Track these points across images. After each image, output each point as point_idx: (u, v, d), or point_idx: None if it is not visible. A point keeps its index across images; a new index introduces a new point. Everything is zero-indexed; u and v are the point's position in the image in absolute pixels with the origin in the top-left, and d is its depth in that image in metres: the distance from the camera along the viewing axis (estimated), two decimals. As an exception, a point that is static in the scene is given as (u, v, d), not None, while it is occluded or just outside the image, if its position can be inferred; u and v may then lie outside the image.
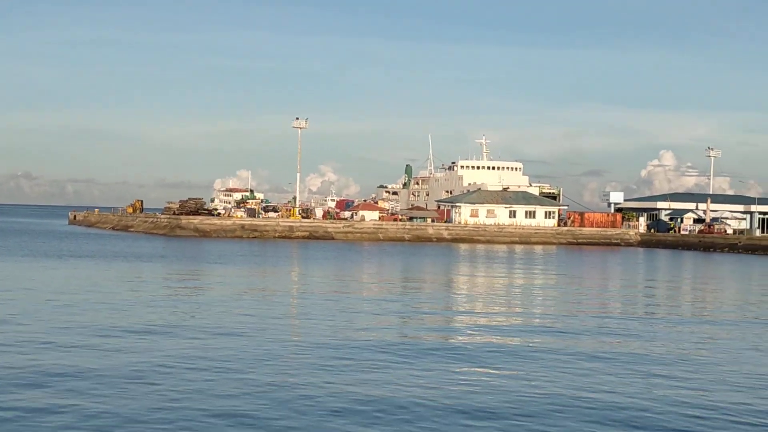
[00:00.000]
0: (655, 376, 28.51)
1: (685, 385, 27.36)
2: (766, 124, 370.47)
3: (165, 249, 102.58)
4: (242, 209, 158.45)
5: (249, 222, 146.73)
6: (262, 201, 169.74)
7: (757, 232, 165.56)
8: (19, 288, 52.49)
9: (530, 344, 34.91)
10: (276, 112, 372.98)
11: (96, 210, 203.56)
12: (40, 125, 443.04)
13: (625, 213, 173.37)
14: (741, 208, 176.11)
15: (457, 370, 28.72)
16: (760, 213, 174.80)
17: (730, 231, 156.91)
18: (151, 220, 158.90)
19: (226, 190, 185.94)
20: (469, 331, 38.83)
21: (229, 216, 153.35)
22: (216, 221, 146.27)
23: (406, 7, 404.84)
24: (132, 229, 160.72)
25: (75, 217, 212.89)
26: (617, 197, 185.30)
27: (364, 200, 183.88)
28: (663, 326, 42.00)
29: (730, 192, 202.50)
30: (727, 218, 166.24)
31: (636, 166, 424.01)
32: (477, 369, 29.25)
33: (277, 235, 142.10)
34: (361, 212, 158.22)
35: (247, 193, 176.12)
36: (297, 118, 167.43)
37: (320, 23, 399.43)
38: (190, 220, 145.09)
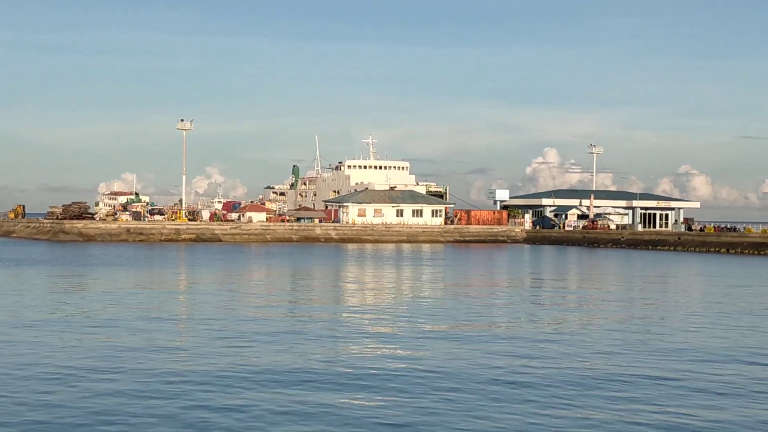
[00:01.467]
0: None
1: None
2: (647, 120, 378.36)
3: (48, 254, 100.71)
4: (127, 213, 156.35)
5: (134, 225, 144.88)
6: (147, 204, 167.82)
7: (639, 227, 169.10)
8: None
9: (414, 341, 35.10)
10: (161, 113, 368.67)
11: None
12: None
13: (511, 210, 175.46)
14: (623, 203, 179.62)
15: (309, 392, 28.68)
16: (642, 208, 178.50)
17: (613, 226, 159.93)
18: (33, 225, 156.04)
19: (111, 194, 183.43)
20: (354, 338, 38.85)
21: (114, 220, 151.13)
22: (101, 225, 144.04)
23: (290, 6, 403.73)
24: (14, 235, 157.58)
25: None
26: (503, 195, 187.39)
27: (252, 202, 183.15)
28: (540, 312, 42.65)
29: (613, 188, 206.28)
30: (610, 214, 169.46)
31: (521, 163, 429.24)
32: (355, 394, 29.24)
33: (163, 238, 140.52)
34: (248, 214, 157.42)
35: (133, 196, 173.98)
36: (182, 120, 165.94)
37: (203, 23, 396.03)
38: (74, 225, 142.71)
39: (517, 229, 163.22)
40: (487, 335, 37.02)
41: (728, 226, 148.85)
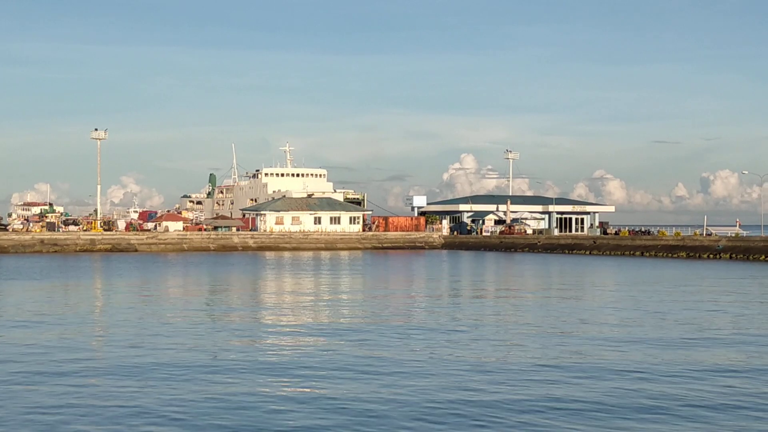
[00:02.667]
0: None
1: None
2: (561, 126, 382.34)
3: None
4: (41, 223, 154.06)
5: (48, 236, 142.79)
6: (62, 214, 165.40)
7: (556, 231, 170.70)
8: None
9: (329, 347, 35.06)
10: (74, 123, 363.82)
11: None
12: None
13: (429, 216, 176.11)
14: (540, 208, 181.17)
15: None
16: (558, 213, 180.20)
17: (529, 231, 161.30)
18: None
19: (24, 204, 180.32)
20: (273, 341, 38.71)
21: (27, 231, 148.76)
22: (13, 236, 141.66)
23: (202, 15, 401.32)
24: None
25: None
26: (420, 201, 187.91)
27: (168, 211, 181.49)
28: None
29: (530, 193, 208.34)
30: (526, 219, 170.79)
31: (438, 169, 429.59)
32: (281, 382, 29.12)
33: (78, 248, 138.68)
34: (164, 223, 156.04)
35: (47, 207, 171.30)
36: (96, 129, 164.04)
37: (113, 32, 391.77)
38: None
39: (435, 235, 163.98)
40: (399, 331, 37.10)
41: (642, 230, 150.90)
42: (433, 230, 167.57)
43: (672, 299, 56.72)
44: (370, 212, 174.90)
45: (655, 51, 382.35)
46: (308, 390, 26.48)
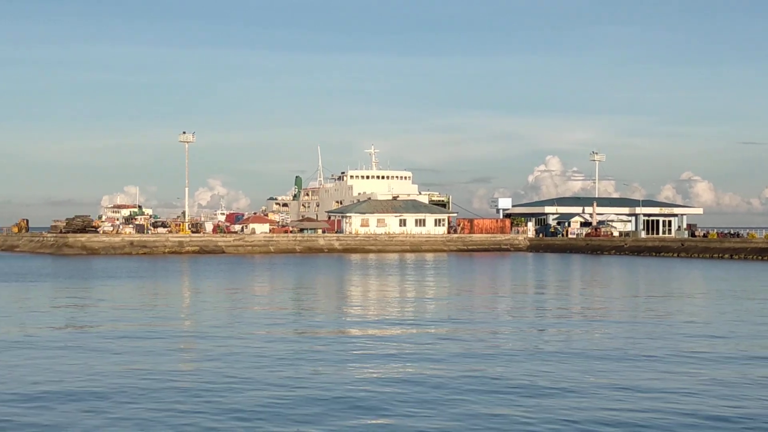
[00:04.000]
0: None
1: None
2: (648, 127, 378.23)
3: (52, 268, 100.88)
4: (131, 225, 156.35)
5: (138, 238, 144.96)
6: (150, 217, 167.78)
7: (642, 234, 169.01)
8: None
9: (422, 348, 35.18)
10: (162, 126, 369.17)
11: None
12: None
13: (514, 218, 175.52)
14: (626, 210, 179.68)
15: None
16: (645, 215, 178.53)
17: (616, 233, 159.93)
18: (37, 239, 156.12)
19: (114, 207, 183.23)
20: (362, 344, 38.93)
21: (117, 233, 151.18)
22: (104, 238, 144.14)
23: (288, 17, 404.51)
24: (18, 249, 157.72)
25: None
26: (505, 203, 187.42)
27: (254, 213, 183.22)
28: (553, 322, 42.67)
29: (615, 195, 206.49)
30: (612, 221, 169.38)
31: (523, 171, 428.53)
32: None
33: (166, 250, 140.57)
34: (251, 225, 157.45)
35: (136, 209, 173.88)
36: (184, 132, 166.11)
37: (200, 35, 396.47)
38: (78, 238, 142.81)
39: (520, 237, 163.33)
40: (491, 342, 37.06)
41: (731, 232, 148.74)
42: (518, 232, 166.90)
43: None
44: (455, 214, 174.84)
45: (742, 50, 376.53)
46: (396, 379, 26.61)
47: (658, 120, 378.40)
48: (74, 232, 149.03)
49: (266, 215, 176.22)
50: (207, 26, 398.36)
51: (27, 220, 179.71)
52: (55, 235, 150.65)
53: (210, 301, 58.98)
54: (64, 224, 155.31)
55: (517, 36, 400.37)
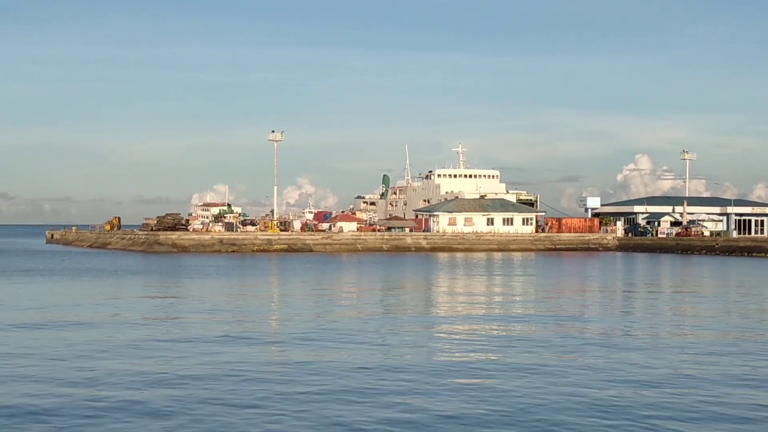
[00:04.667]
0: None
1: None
2: (740, 126, 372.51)
3: (143, 265, 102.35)
4: (220, 223, 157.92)
5: (227, 236, 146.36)
6: (239, 215, 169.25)
7: (734, 234, 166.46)
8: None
9: (512, 349, 35.01)
10: (252, 125, 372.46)
11: (73, 228, 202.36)
12: (16, 144, 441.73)
13: (603, 218, 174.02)
14: (717, 209, 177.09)
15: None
16: (737, 214, 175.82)
17: (707, 233, 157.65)
18: (128, 236, 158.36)
19: (204, 205, 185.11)
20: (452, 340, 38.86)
21: (207, 231, 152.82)
22: (194, 236, 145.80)
23: (376, 16, 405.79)
24: (110, 247, 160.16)
25: (52, 235, 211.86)
26: (594, 202, 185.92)
27: (342, 211, 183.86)
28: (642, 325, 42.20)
29: (706, 194, 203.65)
30: (703, 220, 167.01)
31: (612, 170, 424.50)
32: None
33: (255, 248, 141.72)
34: (339, 224, 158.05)
35: (225, 207, 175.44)
36: (272, 131, 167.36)
37: (288, 34, 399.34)
38: (168, 236, 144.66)
39: (609, 237, 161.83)
40: (579, 343, 36.77)
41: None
42: (606, 232, 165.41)
43: None
44: (543, 213, 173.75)
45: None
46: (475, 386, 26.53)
47: (750, 119, 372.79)
48: (165, 229, 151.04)
49: (354, 214, 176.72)
50: (297, 25, 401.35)
51: (119, 218, 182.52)
52: (146, 232, 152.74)
53: (298, 300, 59.33)
54: (155, 222, 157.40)
55: (609, 35, 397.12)
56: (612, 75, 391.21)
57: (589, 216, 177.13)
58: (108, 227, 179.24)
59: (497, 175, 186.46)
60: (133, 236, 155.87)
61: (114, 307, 51.44)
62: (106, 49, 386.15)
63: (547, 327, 42.19)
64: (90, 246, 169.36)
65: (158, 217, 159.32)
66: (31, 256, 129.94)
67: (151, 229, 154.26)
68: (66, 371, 29.37)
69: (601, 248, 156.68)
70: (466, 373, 29.45)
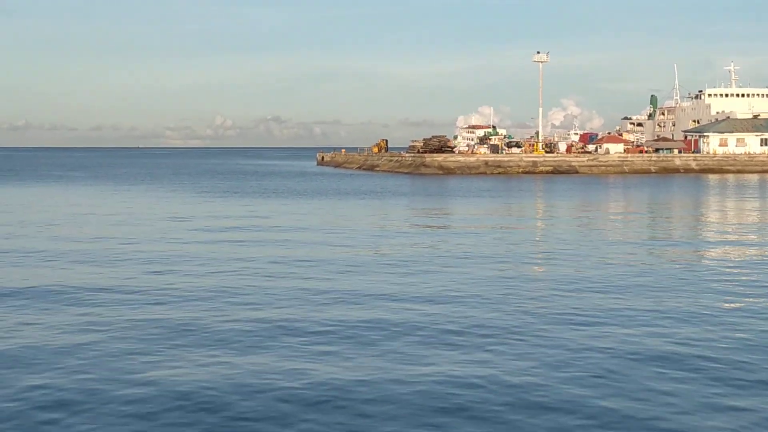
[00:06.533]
0: None
1: None
2: None
3: (409, 186, 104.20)
4: (485, 146, 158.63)
5: (492, 158, 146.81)
6: (504, 137, 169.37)
7: None
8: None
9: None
10: (516, 47, 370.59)
11: (342, 150, 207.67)
12: (289, 70, 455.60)
13: None
14: None
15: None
16: None
17: None
18: (395, 159, 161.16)
19: (469, 127, 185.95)
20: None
21: (472, 153, 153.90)
22: (459, 158, 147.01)
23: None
24: (378, 169, 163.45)
25: (323, 158, 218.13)
26: None
27: (608, 133, 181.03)
28: None
29: None
30: None
31: None
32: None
33: (520, 170, 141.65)
34: (605, 145, 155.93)
35: (490, 130, 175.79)
36: (538, 52, 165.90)
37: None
38: (434, 158, 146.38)
39: None
40: None
41: None
42: None
43: None
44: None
45: None
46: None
47: None
48: (431, 152, 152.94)
49: (620, 135, 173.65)
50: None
51: (386, 141, 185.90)
52: (412, 155, 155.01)
53: (564, 221, 59.13)
54: (422, 144, 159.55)
55: None
56: None
57: None
58: (376, 149, 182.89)
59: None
60: (400, 158, 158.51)
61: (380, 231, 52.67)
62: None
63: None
64: (358, 168, 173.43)
65: (424, 139, 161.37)
66: (312, 178, 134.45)
67: (418, 152, 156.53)
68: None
69: None
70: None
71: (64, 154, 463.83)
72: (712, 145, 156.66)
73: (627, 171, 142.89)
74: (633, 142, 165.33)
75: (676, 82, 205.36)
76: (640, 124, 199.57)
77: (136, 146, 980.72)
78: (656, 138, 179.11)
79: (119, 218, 61.20)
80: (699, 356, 20.81)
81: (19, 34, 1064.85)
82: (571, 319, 25.11)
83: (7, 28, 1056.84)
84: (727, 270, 35.24)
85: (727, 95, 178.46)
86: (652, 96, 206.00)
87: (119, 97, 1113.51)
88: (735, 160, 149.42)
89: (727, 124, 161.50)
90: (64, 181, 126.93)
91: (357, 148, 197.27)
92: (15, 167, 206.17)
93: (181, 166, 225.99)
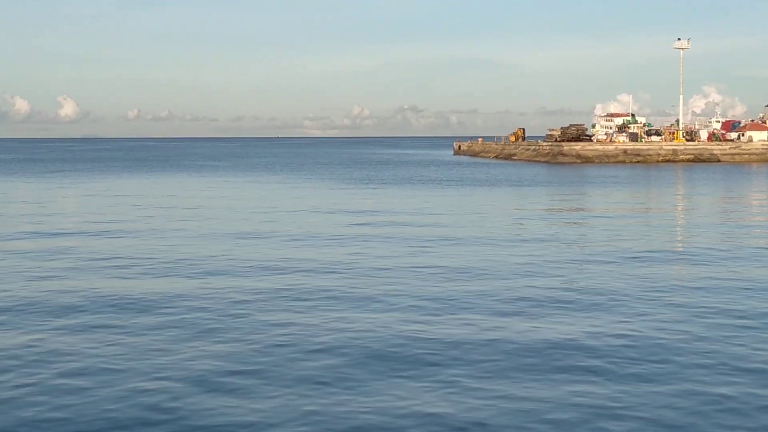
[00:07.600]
0: None
1: None
2: None
3: (546, 176, 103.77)
4: (624, 134, 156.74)
5: (631, 147, 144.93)
6: (644, 125, 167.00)
7: None
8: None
9: None
10: (656, 33, 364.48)
11: (479, 139, 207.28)
12: (426, 58, 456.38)
13: None
14: None
15: None
16: None
17: None
18: (533, 147, 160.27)
19: (607, 116, 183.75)
20: None
21: (610, 141, 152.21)
22: (598, 147, 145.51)
23: None
24: (515, 158, 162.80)
25: (459, 147, 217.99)
26: None
27: (752, 120, 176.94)
28: None
29: None
30: None
31: None
32: None
33: (660, 159, 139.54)
34: (748, 133, 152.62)
35: (629, 118, 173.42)
36: (679, 39, 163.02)
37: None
38: (572, 147, 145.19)
39: None
40: None
41: None
42: None
43: None
44: None
45: None
46: None
47: None
48: (569, 140, 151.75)
49: (764, 122, 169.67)
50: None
51: (523, 129, 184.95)
52: (550, 143, 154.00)
53: (706, 212, 58.37)
54: (559, 133, 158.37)
55: None
56: None
57: None
58: (513, 138, 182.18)
59: None
60: (537, 147, 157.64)
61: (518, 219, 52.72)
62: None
63: None
64: (495, 157, 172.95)
65: (562, 128, 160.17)
66: (451, 167, 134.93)
67: (555, 140, 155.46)
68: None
69: None
70: None
71: (208, 143, 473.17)
72: None
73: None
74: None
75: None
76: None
77: (276, 136, 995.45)
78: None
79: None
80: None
81: (161, 26, 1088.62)
82: None
83: (150, 20, 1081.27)
84: None
85: None
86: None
87: (259, 88, 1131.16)
88: None
89: None
90: (234, 171, 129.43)
91: (494, 137, 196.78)
92: (167, 156, 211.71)
93: (345, 156, 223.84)
